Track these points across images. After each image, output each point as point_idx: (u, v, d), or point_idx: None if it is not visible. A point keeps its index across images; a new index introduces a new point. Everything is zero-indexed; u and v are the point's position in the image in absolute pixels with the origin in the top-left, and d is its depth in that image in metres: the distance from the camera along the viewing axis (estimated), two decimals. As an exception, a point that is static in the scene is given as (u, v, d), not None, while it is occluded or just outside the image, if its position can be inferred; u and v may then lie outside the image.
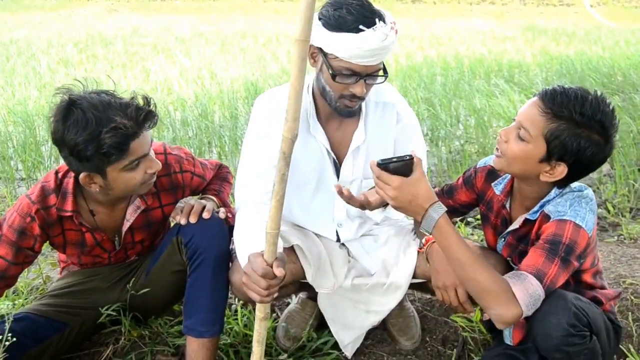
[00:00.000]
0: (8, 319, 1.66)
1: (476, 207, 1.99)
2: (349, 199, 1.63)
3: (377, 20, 1.63)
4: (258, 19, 14.51)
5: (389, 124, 1.91)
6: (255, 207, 1.78)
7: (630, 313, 2.18)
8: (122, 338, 2.08)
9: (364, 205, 1.67)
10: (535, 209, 1.67)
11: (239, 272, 1.74)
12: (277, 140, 1.81)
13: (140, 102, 1.69)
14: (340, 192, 1.61)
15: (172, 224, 2.01)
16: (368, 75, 1.70)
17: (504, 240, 1.81)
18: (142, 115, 1.65)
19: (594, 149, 1.53)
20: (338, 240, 2.00)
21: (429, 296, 2.37)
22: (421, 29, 12.05)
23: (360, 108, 1.85)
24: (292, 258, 1.82)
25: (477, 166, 1.91)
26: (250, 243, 1.62)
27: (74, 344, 1.99)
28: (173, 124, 4.80)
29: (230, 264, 1.86)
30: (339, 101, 1.75)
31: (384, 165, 1.46)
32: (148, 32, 11.73)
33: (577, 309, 1.53)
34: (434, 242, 1.76)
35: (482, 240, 2.63)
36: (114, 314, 1.97)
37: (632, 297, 2.26)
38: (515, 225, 1.73)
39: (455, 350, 2.09)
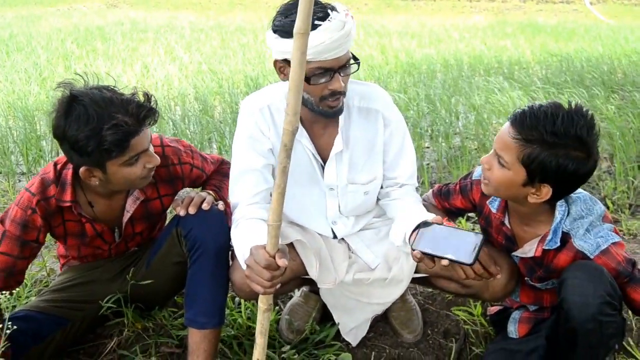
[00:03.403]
0: (5, 319, 1.65)
1: (472, 212, 1.99)
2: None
3: (329, 11, 1.63)
4: (258, 15, 14.49)
5: (375, 130, 1.90)
6: (248, 207, 1.80)
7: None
8: (126, 330, 2.10)
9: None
10: (550, 237, 1.65)
11: (239, 270, 1.75)
12: (263, 140, 1.84)
13: (141, 98, 1.70)
14: (415, 258, 1.61)
15: (171, 216, 2.01)
16: (340, 67, 1.69)
17: (516, 258, 1.80)
18: (143, 113, 1.67)
19: (575, 165, 1.50)
20: (335, 237, 2.01)
21: (430, 290, 2.39)
22: (420, 26, 12.03)
23: (341, 114, 1.81)
24: (291, 255, 1.82)
25: (473, 177, 1.89)
26: (249, 239, 1.63)
27: (77, 338, 2.01)
28: (173, 119, 4.80)
29: (230, 262, 1.88)
30: (321, 104, 1.73)
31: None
32: (147, 27, 11.70)
33: (611, 279, 1.55)
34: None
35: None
36: (115, 306, 1.98)
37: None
38: (529, 253, 1.71)
39: (456, 343, 2.11)
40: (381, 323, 2.20)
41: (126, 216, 1.91)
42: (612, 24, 12.87)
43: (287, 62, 1.70)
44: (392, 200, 1.96)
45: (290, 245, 1.84)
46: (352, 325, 2.06)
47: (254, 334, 2.07)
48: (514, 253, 1.78)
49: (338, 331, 2.10)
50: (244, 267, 1.58)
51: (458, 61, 7.40)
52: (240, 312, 2.18)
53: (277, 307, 2.27)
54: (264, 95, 1.88)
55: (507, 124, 1.58)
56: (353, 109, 1.88)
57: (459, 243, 1.52)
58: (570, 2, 19.06)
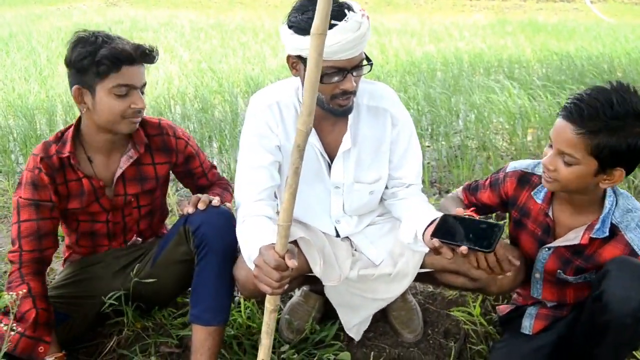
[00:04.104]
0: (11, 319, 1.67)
1: (497, 211, 1.98)
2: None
3: (346, 11, 1.62)
4: (258, 14, 14.48)
5: (383, 129, 1.90)
6: (254, 204, 1.79)
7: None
8: (126, 329, 2.10)
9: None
10: (598, 225, 1.65)
11: (244, 268, 1.75)
12: (271, 137, 1.83)
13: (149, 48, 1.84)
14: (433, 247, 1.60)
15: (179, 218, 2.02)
16: (353, 68, 1.68)
17: (549, 250, 1.78)
18: (140, 49, 1.80)
19: None
20: (338, 236, 2.01)
21: (431, 289, 2.39)
22: (420, 25, 12.02)
23: (350, 113, 1.81)
24: None
25: (507, 170, 1.87)
26: (255, 238, 1.63)
27: (78, 335, 2.01)
28: (174, 118, 4.80)
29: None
30: (332, 102, 1.73)
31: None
32: (147, 26, 11.70)
33: None
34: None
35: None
36: (116, 302, 1.98)
37: None
38: (574, 240, 1.70)
39: (456, 343, 2.11)
40: (381, 323, 2.20)
41: (118, 172, 1.95)
42: (612, 22, 12.87)
43: (299, 58, 1.70)
44: (399, 200, 1.96)
45: (294, 243, 1.83)
46: (356, 321, 2.06)
47: (253, 334, 2.08)
48: (554, 243, 1.76)
49: (338, 331, 2.10)
50: (249, 265, 1.57)
51: (458, 60, 7.39)
52: (240, 311, 2.18)
53: (279, 304, 2.27)
54: (272, 91, 1.87)
55: (562, 121, 1.56)
56: (362, 107, 1.87)
57: (478, 231, 1.53)
58: (570, 0, 19.05)
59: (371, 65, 1.74)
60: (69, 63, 1.81)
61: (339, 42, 1.60)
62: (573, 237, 1.70)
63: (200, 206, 1.85)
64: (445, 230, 1.58)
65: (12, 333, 1.71)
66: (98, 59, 1.74)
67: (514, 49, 8.47)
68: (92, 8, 17.07)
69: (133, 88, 1.81)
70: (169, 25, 11.97)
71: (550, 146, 1.61)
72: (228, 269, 1.83)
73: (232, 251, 1.84)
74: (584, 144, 1.52)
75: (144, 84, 1.86)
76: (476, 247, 1.49)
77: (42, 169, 1.85)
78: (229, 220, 1.84)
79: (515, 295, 2.08)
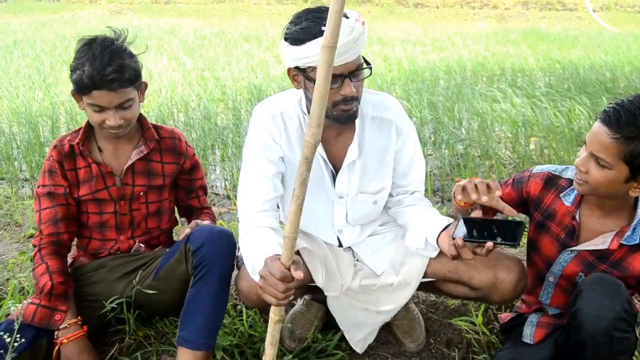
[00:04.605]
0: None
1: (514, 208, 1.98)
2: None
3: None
4: (261, 22, 14.54)
5: (388, 139, 1.90)
6: (257, 215, 1.79)
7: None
8: (127, 337, 2.09)
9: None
10: (629, 233, 1.65)
11: (246, 279, 1.75)
12: (275, 148, 1.84)
13: (125, 73, 1.84)
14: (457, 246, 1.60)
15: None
16: (350, 73, 1.68)
17: (572, 253, 1.77)
18: (109, 76, 1.81)
19: None
20: (340, 245, 2.00)
21: (433, 298, 2.38)
22: (424, 34, 12.06)
23: (355, 119, 1.81)
24: None
25: (533, 171, 1.87)
26: (259, 249, 1.63)
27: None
28: (177, 126, 4.81)
29: (237, 271, 1.87)
30: (335, 109, 1.72)
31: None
32: (151, 34, 11.76)
33: (628, 297, 1.55)
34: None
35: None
36: (117, 307, 1.97)
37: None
38: (601, 245, 1.70)
39: (459, 352, 2.10)
40: (384, 332, 2.19)
41: (128, 162, 2.03)
42: (615, 31, 12.88)
43: (299, 69, 1.71)
44: (404, 207, 1.96)
45: (297, 253, 1.83)
46: (360, 336, 2.05)
47: (255, 342, 2.07)
48: (580, 246, 1.75)
49: (340, 340, 2.09)
50: (253, 276, 1.57)
51: (461, 68, 7.41)
52: (242, 320, 2.17)
53: (284, 315, 2.26)
54: (276, 102, 1.88)
55: (599, 124, 1.56)
56: (367, 117, 1.87)
57: (501, 228, 1.55)
58: (573, 9, 19.08)
59: (370, 68, 1.73)
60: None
61: None
62: (601, 242, 1.70)
63: (199, 223, 1.90)
64: (467, 228, 1.59)
65: (26, 302, 1.85)
66: (73, 78, 1.85)
67: (516, 57, 8.49)
68: (96, 16, 17.17)
69: (106, 108, 1.87)
70: (173, 33, 12.03)
71: (585, 148, 1.62)
72: (224, 292, 1.83)
73: (230, 274, 1.84)
74: (617, 149, 1.52)
75: (122, 103, 1.88)
76: (503, 242, 1.51)
77: (54, 156, 1.99)
78: (231, 241, 1.85)
79: (518, 303, 2.08)
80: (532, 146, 4.30)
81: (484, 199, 1.57)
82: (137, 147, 2.05)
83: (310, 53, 1.63)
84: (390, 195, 2.00)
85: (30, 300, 1.88)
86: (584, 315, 1.54)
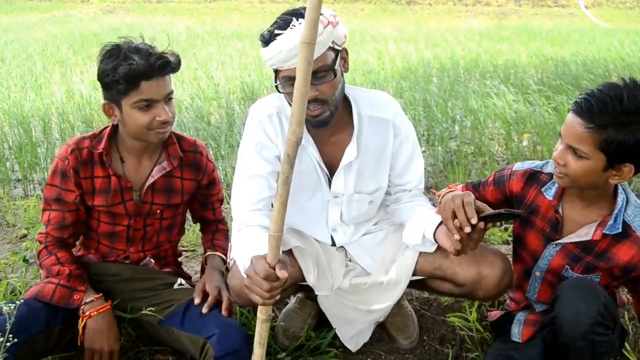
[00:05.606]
0: (8, 305, 1.67)
1: (499, 207, 1.97)
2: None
3: (294, 19, 1.61)
4: (254, 20, 14.52)
5: (386, 139, 1.89)
6: (250, 214, 1.79)
7: (626, 312, 2.19)
8: (121, 337, 2.08)
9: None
10: (611, 222, 1.66)
11: (237, 277, 1.74)
12: (270, 147, 1.83)
13: (170, 58, 1.84)
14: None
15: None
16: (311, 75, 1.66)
17: (557, 247, 1.78)
18: (158, 62, 1.79)
19: None
20: (333, 244, 2.00)
21: (426, 295, 2.39)
22: (417, 31, 12.07)
23: (327, 124, 1.77)
24: (290, 261, 1.81)
25: (513, 169, 1.88)
26: (250, 247, 1.62)
27: (72, 340, 1.98)
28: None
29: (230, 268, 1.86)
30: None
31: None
32: (144, 33, 11.72)
33: (606, 300, 1.55)
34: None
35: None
36: (118, 311, 1.97)
37: (628, 296, 2.27)
38: (585, 236, 1.70)
39: (452, 349, 2.10)
40: (377, 329, 2.18)
41: (149, 180, 1.98)
42: (607, 27, 12.93)
43: (274, 71, 1.71)
44: (403, 204, 1.97)
45: (289, 252, 1.83)
46: (352, 333, 2.05)
47: (250, 343, 2.06)
48: (564, 239, 1.75)
49: (333, 338, 2.09)
50: (244, 275, 1.57)
51: (454, 65, 7.42)
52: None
53: (271, 314, 2.26)
54: (273, 101, 1.87)
55: (572, 115, 1.57)
56: (364, 117, 1.86)
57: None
58: (565, 6, 19.14)
59: (335, 73, 1.68)
60: (97, 78, 1.86)
61: (282, 50, 1.60)
62: (585, 233, 1.71)
63: (224, 313, 1.85)
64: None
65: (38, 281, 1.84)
66: (116, 78, 1.77)
67: (509, 54, 8.51)
68: (88, 15, 17.09)
69: (155, 101, 1.82)
70: (166, 32, 11.99)
71: (561, 141, 1.62)
72: None
73: None
74: (592, 139, 1.52)
75: (168, 93, 1.86)
76: (510, 210, 1.58)
77: (70, 161, 1.91)
78: (249, 348, 1.75)
79: (507, 301, 2.08)
80: (524, 143, 4.31)
81: (467, 229, 1.57)
82: (159, 162, 1.99)
83: (269, 55, 1.64)
84: (389, 193, 2.00)
85: (48, 280, 1.89)
86: (563, 322, 1.56)
